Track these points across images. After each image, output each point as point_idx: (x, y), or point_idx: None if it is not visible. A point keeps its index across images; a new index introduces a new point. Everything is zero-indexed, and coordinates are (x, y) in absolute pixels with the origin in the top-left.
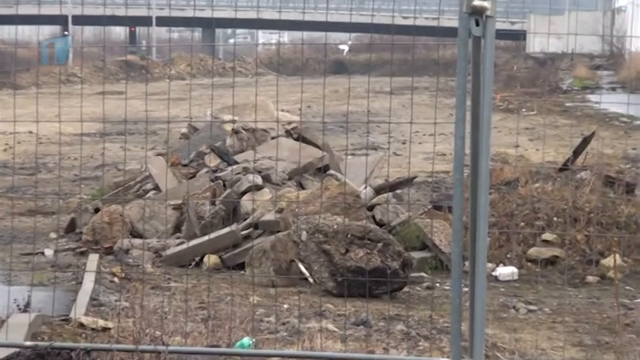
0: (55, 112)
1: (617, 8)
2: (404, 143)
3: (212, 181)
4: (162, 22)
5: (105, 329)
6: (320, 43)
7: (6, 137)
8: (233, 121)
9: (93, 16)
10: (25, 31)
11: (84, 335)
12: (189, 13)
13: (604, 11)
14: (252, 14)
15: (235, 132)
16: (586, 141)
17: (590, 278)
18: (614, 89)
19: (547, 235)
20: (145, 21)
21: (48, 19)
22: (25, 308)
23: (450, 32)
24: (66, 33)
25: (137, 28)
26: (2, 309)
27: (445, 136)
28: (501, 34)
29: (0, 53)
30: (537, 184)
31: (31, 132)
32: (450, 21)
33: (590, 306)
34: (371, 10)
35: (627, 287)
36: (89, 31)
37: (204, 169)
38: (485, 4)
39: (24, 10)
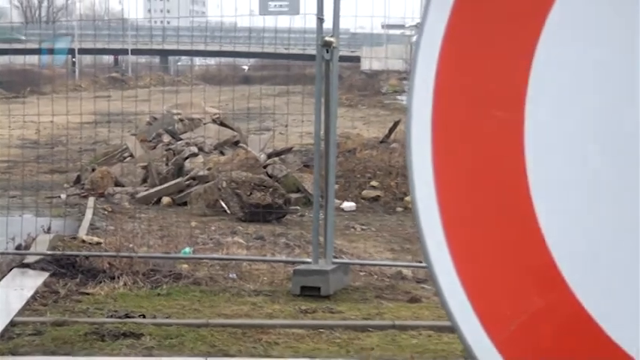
0: (65, 108)
1: (412, 42)
2: (285, 126)
3: (166, 150)
4: (135, 52)
5: (98, 243)
6: (231, 64)
7: (36, 125)
8: (179, 114)
9: (91, 49)
10: (48, 58)
11: (85, 247)
12: (150, 46)
13: (406, 44)
14: (189, 47)
15: (180, 120)
16: (396, 124)
17: (398, 209)
18: None
19: (373, 183)
20: (124, 52)
21: (61, 51)
22: (48, 231)
23: (312, 57)
24: (74, 60)
25: (119, 57)
26: (33, 231)
27: (310, 122)
28: (343, 58)
29: (32, 72)
30: (367, 151)
31: (51, 121)
32: (312, 50)
33: (398, 226)
34: (262, 44)
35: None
36: (90, 58)
37: (161, 144)
38: (332, 40)
39: (47, 45)
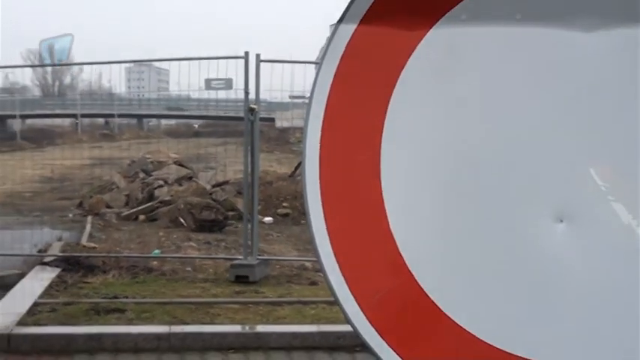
0: (71, 155)
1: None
2: (224, 166)
3: (142, 183)
4: (119, 116)
5: (94, 247)
6: (186, 124)
7: (51, 166)
8: (150, 158)
9: (89, 114)
10: (58, 120)
11: (85, 250)
12: (130, 112)
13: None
14: (157, 112)
15: (151, 162)
16: (300, 164)
17: (302, 222)
18: None
19: (285, 204)
20: (112, 116)
21: (68, 115)
22: (60, 239)
23: (242, 119)
24: (77, 122)
25: (108, 119)
26: (50, 239)
27: (241, 162)
28: (263, 119)
29: (48, 130)
30: (280, 182)
31: (62, 164)
32: (242, 114)
33: (302, 233)
34: (207, 109)
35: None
36: (88, 120)
37: (138, 179)
38: (255, 107)
39: (59, 110)
